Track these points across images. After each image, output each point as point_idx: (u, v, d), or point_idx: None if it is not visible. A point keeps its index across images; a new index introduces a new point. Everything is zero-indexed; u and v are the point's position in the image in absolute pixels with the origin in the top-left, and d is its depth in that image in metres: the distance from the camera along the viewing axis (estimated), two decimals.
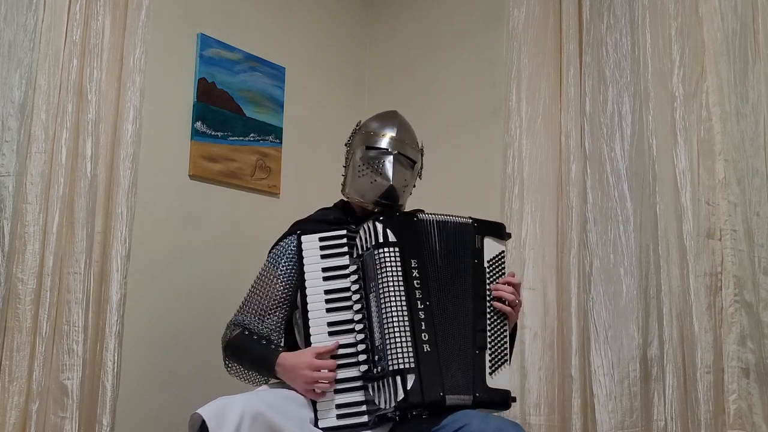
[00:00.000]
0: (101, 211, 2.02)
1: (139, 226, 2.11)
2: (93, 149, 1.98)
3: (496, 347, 1.65)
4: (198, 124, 2.42)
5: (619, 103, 2.17)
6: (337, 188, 1.97)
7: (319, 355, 1.61)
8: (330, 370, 1.60)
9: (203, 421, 1.44)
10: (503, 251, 1.74)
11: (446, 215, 1.75)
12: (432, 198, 2.19)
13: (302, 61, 2.83)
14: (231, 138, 2.52)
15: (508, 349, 1.68)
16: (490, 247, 1.72)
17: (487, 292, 1.68)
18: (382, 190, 1.82)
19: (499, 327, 1.67)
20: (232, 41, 2.56)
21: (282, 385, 1.71)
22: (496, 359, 1.64)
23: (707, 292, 1.88)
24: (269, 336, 1.76)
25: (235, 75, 2.56)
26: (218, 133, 2.48)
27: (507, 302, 1.69)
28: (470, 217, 1.74)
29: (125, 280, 2.00)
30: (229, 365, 1.83)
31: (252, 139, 2.58)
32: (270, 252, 1.86)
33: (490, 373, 1.62)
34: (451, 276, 1.69)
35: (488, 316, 1.66)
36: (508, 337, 1.69)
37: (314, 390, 1.59)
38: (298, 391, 1.63)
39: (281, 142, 2.69)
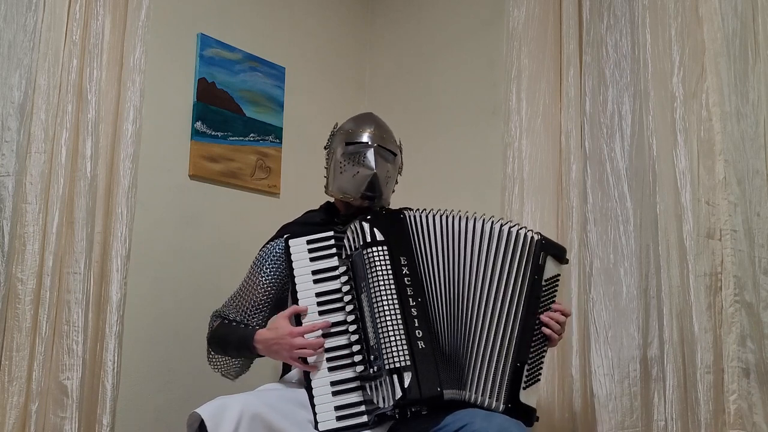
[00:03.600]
0: (101, 211, 2.02)
1: (139, 226, 2.11)
2: (93, 149, 1.98)
3: (533, 364, 1.66)
4: (198, 124, 2.42)
5: (619, 103, 2.16)
6: None
7: (293, 321, 1.64)
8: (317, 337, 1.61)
9: (202, 421, 1.44)
10: (559, 275, 1.75)
11: (450, 211, 1.74)
12: (432, 198, 2.19)
13: (302, 61, 2.83)
14: (231, 138, 2.51)
15: (542, 369, 1.69)
16: (549, 267, 1.72)
17: (539, 310, 1.69)
18: (366, 180, 1.82)
19: (540, 346, 1.69)
20: (232, 41, 2.56)
21: (282, 385, 1.71)
22: (531, 376, 1.65)
23: (707, 292, 1.87)
24: (248, 323, 1.79)
25: (235, 75, 2.56)
26: (218, 133, 2.48)
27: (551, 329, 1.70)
28: (539, 233, 1.72)
29: (125, 280, 2.00)
30: (212, 358, 1.88)
31: (252, 139, 2.58)
32: (256, 255, 1.87)
33: (524, 388, 1.63)
34: (456, 272, 1.68)
35: (534, 333, 1.68)
36: (545, 358, 1.70)
37: (300, 358, 1.60)
38: (287, 365, 1.66)
39: (281, 142, 2.68)
